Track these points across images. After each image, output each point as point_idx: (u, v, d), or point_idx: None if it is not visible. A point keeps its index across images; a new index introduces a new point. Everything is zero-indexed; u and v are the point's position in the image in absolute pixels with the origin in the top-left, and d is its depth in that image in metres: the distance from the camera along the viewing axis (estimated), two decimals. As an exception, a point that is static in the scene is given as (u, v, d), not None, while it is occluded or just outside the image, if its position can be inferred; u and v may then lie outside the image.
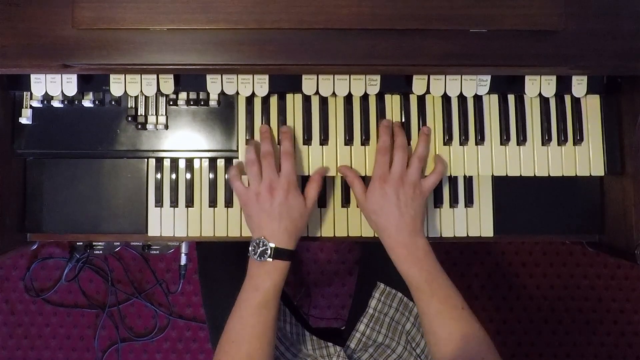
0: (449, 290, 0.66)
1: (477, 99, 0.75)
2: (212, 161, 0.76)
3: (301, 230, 0.70)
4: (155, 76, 0.71)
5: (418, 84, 0.72)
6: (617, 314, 1.51)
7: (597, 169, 0.75)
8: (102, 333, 1.49)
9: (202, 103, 0.75)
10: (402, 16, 0.63)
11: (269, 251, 0.65)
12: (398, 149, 0.70)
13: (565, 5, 0.64)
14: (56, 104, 0.74)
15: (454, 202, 0.76)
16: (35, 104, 0.74)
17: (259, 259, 0.66)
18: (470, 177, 0.77)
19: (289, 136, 0.71)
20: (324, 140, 0.74)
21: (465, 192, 0.77)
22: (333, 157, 0.74)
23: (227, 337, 0.66)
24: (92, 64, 0.65)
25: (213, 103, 0.75)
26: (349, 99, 0.75)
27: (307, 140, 0.74)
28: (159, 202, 0.75)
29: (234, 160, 0.74)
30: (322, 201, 0.76)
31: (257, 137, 0.74)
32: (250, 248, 0.67)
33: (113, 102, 0.74)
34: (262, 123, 0.74)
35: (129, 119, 0.74)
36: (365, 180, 0.74)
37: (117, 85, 0.71)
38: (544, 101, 0.75)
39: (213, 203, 0.75)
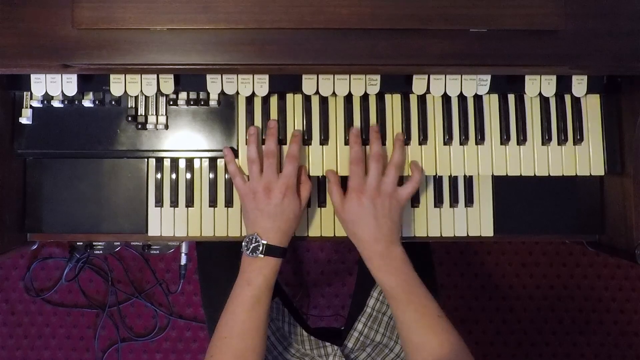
0: (425, 299, 0.66)
1: (477, 98, 0.75)
2: (212, 161, 0.76)
3: (294, 229, 0.71)
4: (155, 76, 0.71)
5: (418, 84, 0.72)
6: (617, 314, 1.51)
7: (597, 168, 0.75)
8: (102, 333, 1.49)
9: (202, 103, 0.75)
10: (402, 16, 0.63)
11: (260, 247, 0.66)
12: (372, 159, 0.69)
13: (565, 5, 0.64)
14: (56, 104, 0.74)
15: (454, 201, 0.76)
16: (35, 104, 0.74)
17: (251, 254, 0.67)
18: (470, 177, 0.77)
19: (298, 140, 0.72)
20: (324, 140, 0.74)
21: (465, 192, 0.77)
22: (333, 157, 0.74)
23: (220, 333, 0.67)
24: (92, 64, 0.65)
25: (213, 103, 0.75)
26: (349, 98, 0.75)
27: (307, 140, 0.74)
28: (159, 202, 0.75)
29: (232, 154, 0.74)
30: (322, 201, 0.76)
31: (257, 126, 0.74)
32: (243, 243, 0.68)
33: (113, 102, 0.74)
34: (262, 123, 0.74)
35: (129, 119, 0.74)
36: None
37: (117, 85, 0.71)
38: (544, 101, 0.75)
39: (213, 203, 0.75)
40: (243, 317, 0.66)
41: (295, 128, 0.74)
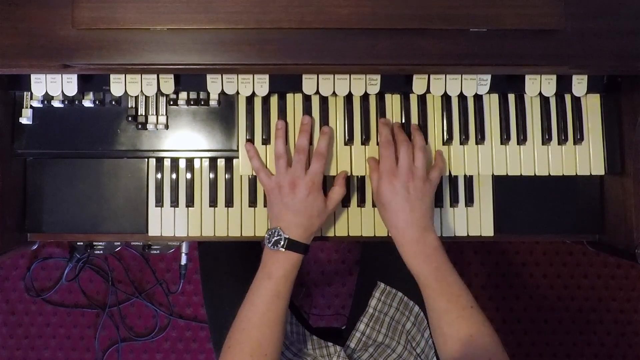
0: (457, 288, 0.66)
1: (478, 98, 0.75)
2: (213, 161, 0.76)
3: (316, 228, 0.70)
4: (155, 76, 0.71)
5: (418, 84, 0.72)
6: (617, 314, 1.51)
7: (598, 168, 0.75)
8: (102, 333, 1.49)
9: (202, 103, 0.75)
10: (402, 16, 0.63)
11: (282, 241, 0.66)
12: (402, 143, 0.70)
13: (565, 5, 0.64)
14: (56, 104, 0.74)
15: (454, 201, 0.76)
16: (36, 104, 0.74)
17: (272, 247, 0.67)
18: (471, 177, 0.77)
19: (327, 137, 0.72)
20: (324, 140, 0.74)
21: (465, 192, 0.77)
22: (333, 157, 0.74)
23: (238, 325, 0.67)
24: (92, 64, 0.65)
25: (213, 103, 0.75)
26: (349, 98, 0.75)
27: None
28: (159, 202, 0.75)
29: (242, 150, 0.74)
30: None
31: (256, 132, 0.74)
32: (265, 236, 0.68)
33: (113, 102, 0.74)
34: (262, 123, 0.74)
35: (129, 118, 0.74)
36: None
37: (117, 85, 0.71)
38: (544, 100, 0.75)
39: (213, 203, 0.75)
40: (262, 309, 0.66)
41: (295, 128, 0.74)
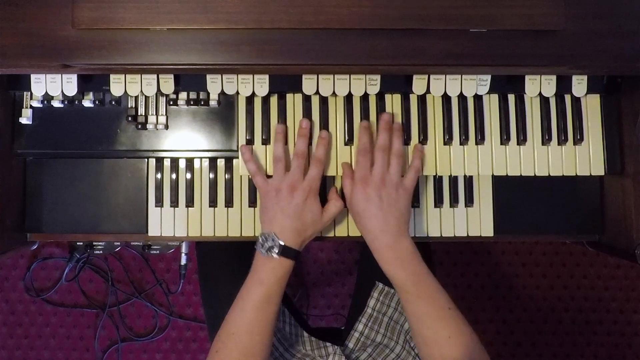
0: (435, 291, 0.66)
1: (477, 98, 0.75)
2: (212, 161, 0.76)
3: (309, 235, 0.70)
4: (155, 76, 0.71)
5: (418, 84, 0.72)
6: (617, 314, 1.51)
7: (597, 168, 0.75)
8: (102, 333, 1.49)
9: (202, 103, 0.75)
10: (402, 16, 0.63)
11: (276, 248, 0.66)
12: (378, 150, 0.70)
13: (565, 5, 0.64)
14: (56, 104, 0.74)
15: (454, 201, 0.76)
16: (36, 104, 0.74)
17: (266, 253, 0.66)
18: (471, 177, 0.77)
19: (325, 142, 0.72)
20: (324, 140, 0.74)
21: (465, 192, 0.77)
22: (333, 157, 0.74)
23: (227, 330, 0.66)
24: (92, 64, 0.65)
25: (213, 103, 0.75)
26: (349, 98, 0.75)
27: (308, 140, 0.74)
28: (159, 202, 0.75)
29: (241, 150, 0.73)
30: (323, 201, 0.76)
31: (255, 132, 0.74)
32: (259, 240, 0.68)
33: (113, 102, 0.74)
34: (262, 123, 0.74)
35: (129, 119, 0.74)
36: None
37: (117, 85, 0.71)
38: (544, 101, 0.75)
39: (213, 203, 0.75)
40: (253, 315, 0.66)
41: (295, 128, 0.74)
